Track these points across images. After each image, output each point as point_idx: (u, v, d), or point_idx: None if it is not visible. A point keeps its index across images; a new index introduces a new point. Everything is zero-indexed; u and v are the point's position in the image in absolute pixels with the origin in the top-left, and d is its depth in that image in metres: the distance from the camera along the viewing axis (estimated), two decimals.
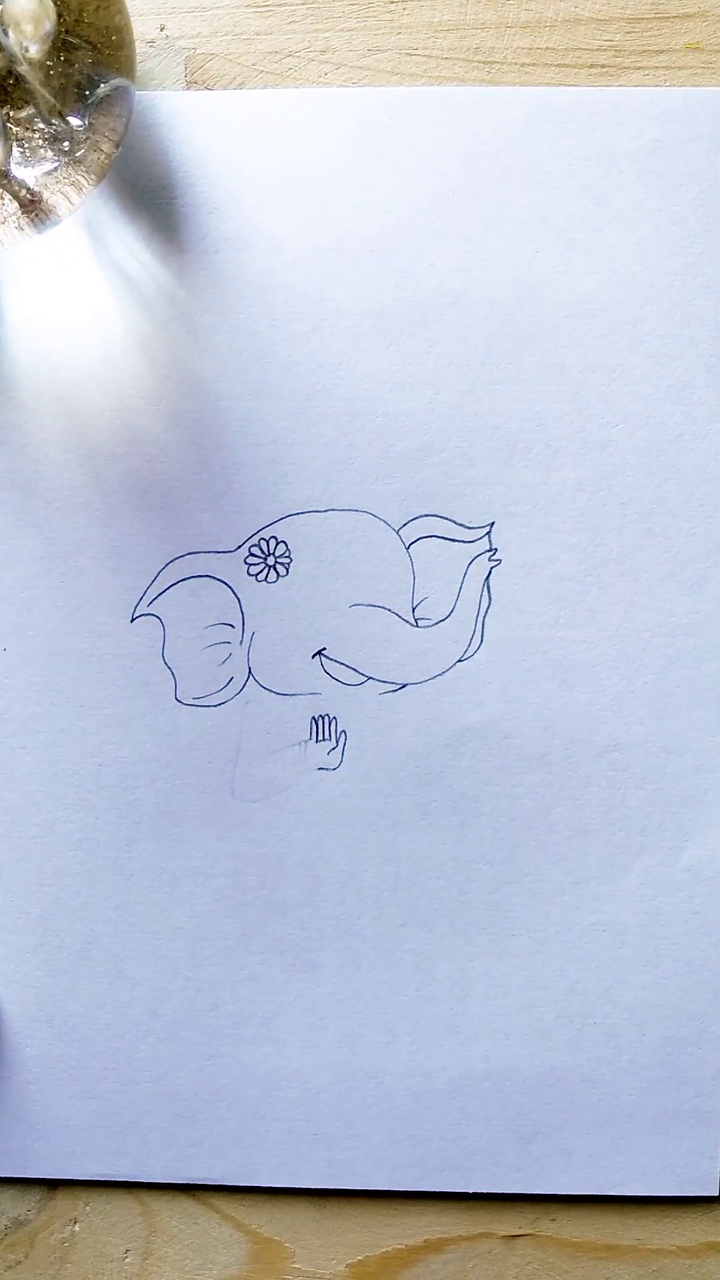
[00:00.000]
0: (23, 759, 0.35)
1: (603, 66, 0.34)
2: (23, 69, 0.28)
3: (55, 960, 0.35)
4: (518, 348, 0.34)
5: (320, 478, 0.34)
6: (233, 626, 0.35)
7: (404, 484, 0.34)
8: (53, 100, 0.29)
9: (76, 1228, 0.36)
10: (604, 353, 0.34)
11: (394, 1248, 0.35)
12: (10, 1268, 0.36)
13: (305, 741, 0.35)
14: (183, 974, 0.35)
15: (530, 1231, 0.35)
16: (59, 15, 0.28)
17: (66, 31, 0.29)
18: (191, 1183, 0.35)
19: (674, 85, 0.34)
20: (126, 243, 0.34)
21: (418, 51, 0.34)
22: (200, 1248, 0.36)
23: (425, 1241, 0.35)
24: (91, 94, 0.30)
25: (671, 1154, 0.35)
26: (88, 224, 0.34)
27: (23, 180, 0.30)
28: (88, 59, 0.30)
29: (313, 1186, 0.35)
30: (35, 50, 0.28)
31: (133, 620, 0.35)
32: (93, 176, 0.31)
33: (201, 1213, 0.36)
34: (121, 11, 0.31)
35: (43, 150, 0.30)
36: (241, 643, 0.35)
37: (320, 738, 0.35)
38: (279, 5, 0.35)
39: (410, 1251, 0.35)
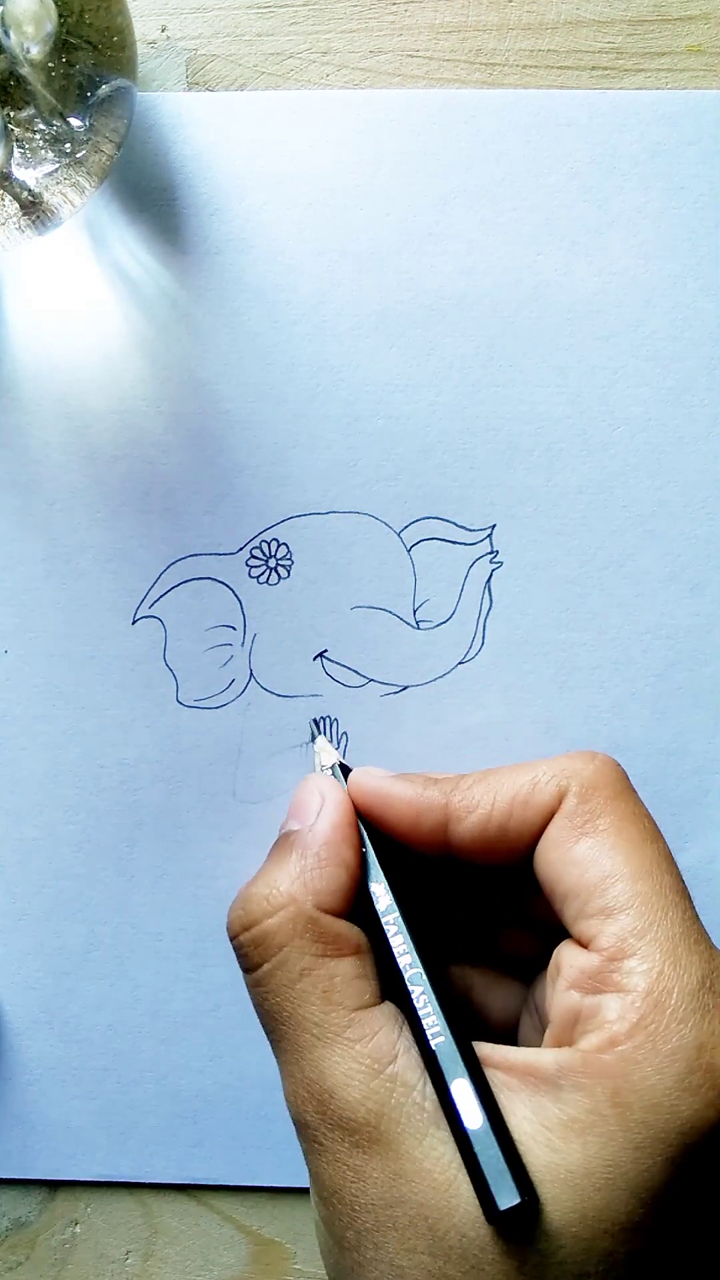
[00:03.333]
0: (24, 761, 0.35)
1: (604, 69, 0.34)
2: (23, 70, 0.28)
3: (56, 962, 0.35)
4: (519, 350, 0.34)
5: (322, 480, 0.34)
6: (234, 629, 0.35)
7: (405, 486, 0.34)
8: (54, 101, 0.29)
9: (77, 1229, 0.36)
10: (605, 355, 0.34)
11: None
12: (11, 1269, 0.36)
13: (307, 743, 0.35)
14: (184, 975, 0.35)
15: None
16: (60, 16, 0.28)
17: (67, 32, 0.29)
18: (192, 1183, 0.35)
19: (675, 88, 0.34)
20: (127, 244, 0.34)
21: (419, 53, 0.34)
22: (201, 1249, 0.36)
23: None
24: (92, 95, 0.30)
25: None
26: (89, 225, 0.34)
27: (23, 181, 0.30)
28: (89, 60, 0.29)
29: None
30: (36, 51, 0.28)
31: (134, 622, 0.35)
32: (94, 178, 0.31)
33: (202, 1213, 0.36)
34: (123, 12, 0.30)
35: (43, 151, 0.30)
36: (243, 645, 0.35)
37: None
38: (280, 6, 0.35)
39: None
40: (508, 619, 0.35)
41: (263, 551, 0.34)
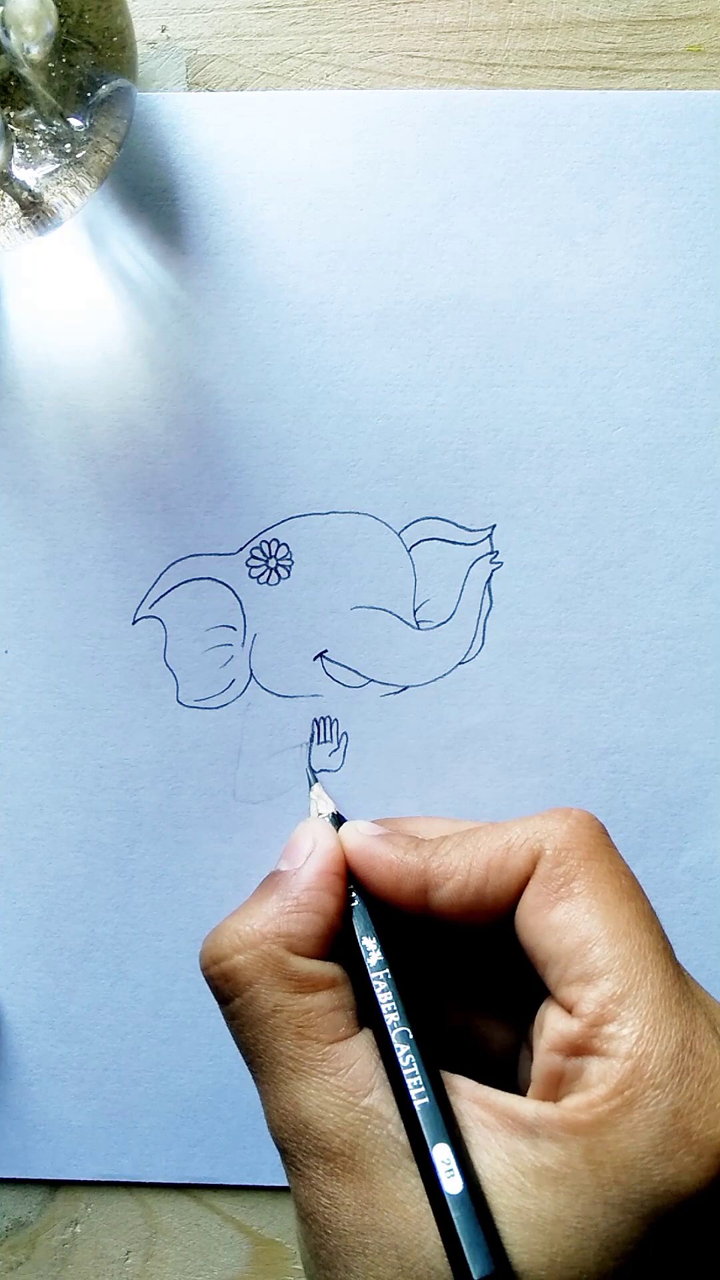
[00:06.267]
0: (24, 761, 0.35)
1: (604, 69, 0.34)
2: (24, 70, 0.28)
3: (57, 961, 0.35)
4: (519, 350, 0.34)
5: (322, 480, 0.34)
6: (234, 629, 0.35)
7: (405, 486, 0.34)
8: (54, 101, 0.29)
9: (77, 1229, 0.36)
10: (605, 355, 0.34)
11: None
12: (11, 1269, 0.36)
13: (306, 743, 0.35)
14: (184, 975, 0.35)
15: None
16: (60, 16, 0.28)
17: (68, 32, 0.29)
18: (193, 1183, 0.35)
19: (675, 88, 0.34)
20: (128, 244, 0.34)
21: (419, 54, 0.34)
22: (201, 1249, 0.36)
23: None
24: (93, 95, 0.30)
25: None
26: (89, 226, 0.34)
27: (24, 182, 0.30)
28: (89, 60, 0.29)
29: None
30: (36, 52, 0.28)
31: (134, 622, 0.35)
32: (94, 178, 0.31)
33: (202, 1213, 0.36)
34: (123, 12, 0.30)
35: (44, 152, 0.30)
36: (243, 645, 0.35)
37: (322, 739, 0.35)
38: (280, 7, 0.35)
39: None
40: (508, 619, 0.35)
41: (263, 551, 0.34)
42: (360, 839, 0.28)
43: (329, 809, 0.31)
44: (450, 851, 0.27)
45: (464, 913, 0.27)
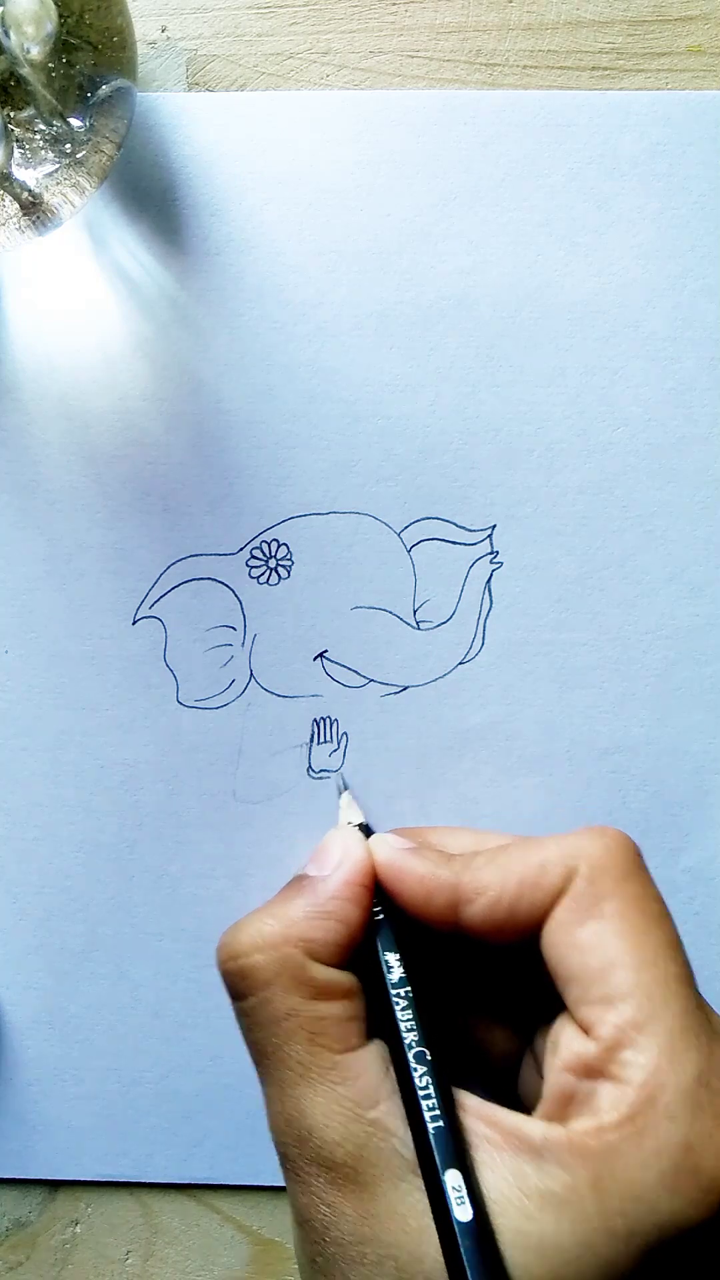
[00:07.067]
0: (24, 761, 0.35)
1: (604, 69, 0.34)
2: (24, 70, 0.28)
3: (57, 961, 0.35)
4: (519, 350, 0.34)
5: (322, 480, 0.34)
6: (234, 629, 0.35)
7: (405, 487, 0.34)
8: (54, 101, 0.29)
9: (78, 1229, 0.36)
10: (605, 355, 0.34)
11: None
12: (11, 1269, 0.36)
13: (306, 743, 0.35)
14: (184, 975, 0.35)
15: None
16: (60, 16, 0.28)
17: (68, 33, 0.29)
18: (193, 1183, 0.35)
19: (676, 88, 0.34)
20: (128, 245, 0.34)
21: (419, 54, 0.34)
22: (201, 1249, 0.36)
23: None
24: (93, 95, 0.30)
25: None
26: (89, 226, 0.34)
27: (24, 182, 0.30)
28: (89, 60, 0.30)
29: None
30: (36, 52, 0.28)
31: (134, 622, 0.35)
32: (94, 178, 0.31)
33: (203, 1214, 0.36)
34: (123, 12, 0.30)
35: (44, 152, 0.30)
36: (243, 645, 0.35)
37: (322, 739, 0.35)
38: (281, 7, 0.35)
39: None
40: (508, 619, 0.35)
41: (263, 552, 0.34)
42: (391, 852, 0.28)
43: (358, 818, 0.31)
44: (483, 867, 0.27)
45: (493, 929, 0.26)
